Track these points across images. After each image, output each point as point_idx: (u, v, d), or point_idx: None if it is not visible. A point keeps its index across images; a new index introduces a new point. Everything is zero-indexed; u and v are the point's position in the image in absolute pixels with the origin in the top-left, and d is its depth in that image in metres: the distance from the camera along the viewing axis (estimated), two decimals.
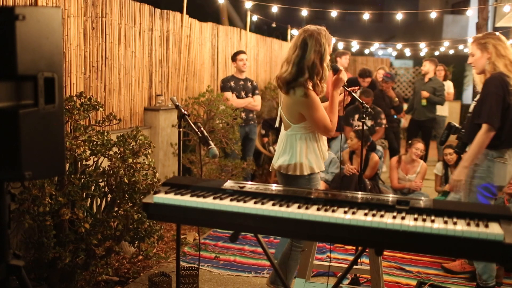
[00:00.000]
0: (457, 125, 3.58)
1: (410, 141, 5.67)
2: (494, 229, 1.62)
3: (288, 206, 1.85)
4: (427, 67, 7.28)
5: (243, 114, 5.50)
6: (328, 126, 2.80)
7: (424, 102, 7.16)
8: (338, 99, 2.95)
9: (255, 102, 5.69)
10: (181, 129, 2.75)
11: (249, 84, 5.70)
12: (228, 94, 5.45)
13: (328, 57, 2.79)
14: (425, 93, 7.13)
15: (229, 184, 2.08)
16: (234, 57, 5.69)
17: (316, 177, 2.95)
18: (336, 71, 2.93)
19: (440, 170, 5.38)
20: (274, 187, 2.10)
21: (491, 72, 3.10)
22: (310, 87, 2.77)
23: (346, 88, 3.24)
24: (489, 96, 3.02)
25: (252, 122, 5.76)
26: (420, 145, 5.44)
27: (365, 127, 4.52)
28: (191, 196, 1.96)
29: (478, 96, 3.19)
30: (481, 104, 3.08)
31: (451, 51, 14.55)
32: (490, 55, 3.09)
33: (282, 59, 2.89)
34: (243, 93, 5.61)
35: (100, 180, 3.18)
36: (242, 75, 5.67)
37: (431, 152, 8.47)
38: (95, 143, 3.08)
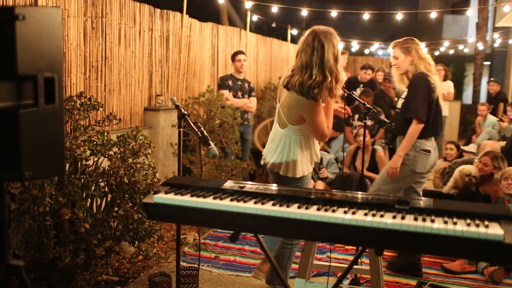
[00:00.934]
0: (385, 119, 3.95)
1: None
2: (494, 229, 1.62)
3: (288, 206, 1.85)
4: None
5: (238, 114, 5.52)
6: (325, 132, 2.79)
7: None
8: (333, 105, 2.93)
9: (251, 103, 5.71)
10: (181, 129, 2.75)
11: (246, 85, 5.72)
12: (225, 92, 5.46)
13: (341, 58, 2.72)
14: None
15: (229, 184, 2.07)
16: (233, 57, 5.71)
17: (307, 178, 2.95)
18: None
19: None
20: (274, 187, 2.10)
21: (413, 72, 3.51)
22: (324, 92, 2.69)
23: (346, 90, 3.24)
24: (417, 94, 3.42)
25: (247, 123, 5.79)
26: None
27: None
28: (191, 196, 1.96)
29: (405, 94, 3.58)
30: (410, 101, 3.47)
31: (451, 51, 14.56)
32: (413, 58, 3.50)
33: (293, 62, 2.76)
34: (239, 93, 5.63)
35: (100, 180, 3.18)
36: (241, 75, 5.68)
37: None
38: (95, 143, 3.08)
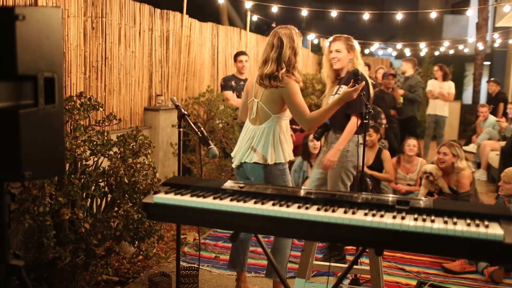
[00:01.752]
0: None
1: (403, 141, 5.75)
2: (494, 229, 1.62)
3: (288, 206, 1.85)
4: (404, 67, 7.82)
5: None
6: (306, 114, 2.85)
7: (401, 99, 7.41)
8: (336, 107, 2.94)
9: None
10: (181, 129, 2.75)
11: None
12: (229, 93, 5.46)
13: (300, 50, 2.98)
14: (400, 91, 7.39)
15: (229, 184, 2.07)
16: (235, 58, 5.71)
17: (287, 168, 3.03)
18: (356, 76, 2.97)
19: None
20: (274, 187, 2.10)
21: (349, 70, 3.56)
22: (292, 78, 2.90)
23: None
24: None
25: None
26: (411, 141, 5.48)
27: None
28: (191, 196, 1.96)
29: (341, 89, 3.52)
30: None
31: (451, 51, 14.56)
32: (353, 56, 3.60)
33: (260, 60, 3.07)
34: (243, 94, 5.62)
35: (100, 180, 3.18)
36: (243, 75, 5.68)
37: (431, 152, 8.47)
38: (95, 143, 3.08)
